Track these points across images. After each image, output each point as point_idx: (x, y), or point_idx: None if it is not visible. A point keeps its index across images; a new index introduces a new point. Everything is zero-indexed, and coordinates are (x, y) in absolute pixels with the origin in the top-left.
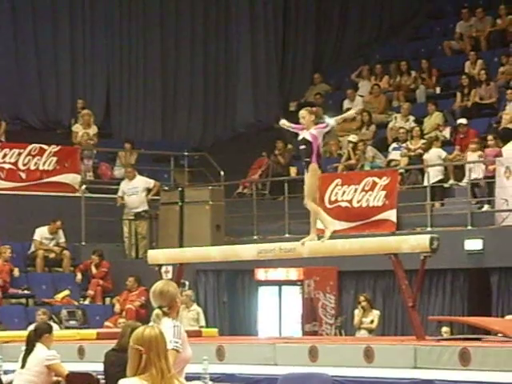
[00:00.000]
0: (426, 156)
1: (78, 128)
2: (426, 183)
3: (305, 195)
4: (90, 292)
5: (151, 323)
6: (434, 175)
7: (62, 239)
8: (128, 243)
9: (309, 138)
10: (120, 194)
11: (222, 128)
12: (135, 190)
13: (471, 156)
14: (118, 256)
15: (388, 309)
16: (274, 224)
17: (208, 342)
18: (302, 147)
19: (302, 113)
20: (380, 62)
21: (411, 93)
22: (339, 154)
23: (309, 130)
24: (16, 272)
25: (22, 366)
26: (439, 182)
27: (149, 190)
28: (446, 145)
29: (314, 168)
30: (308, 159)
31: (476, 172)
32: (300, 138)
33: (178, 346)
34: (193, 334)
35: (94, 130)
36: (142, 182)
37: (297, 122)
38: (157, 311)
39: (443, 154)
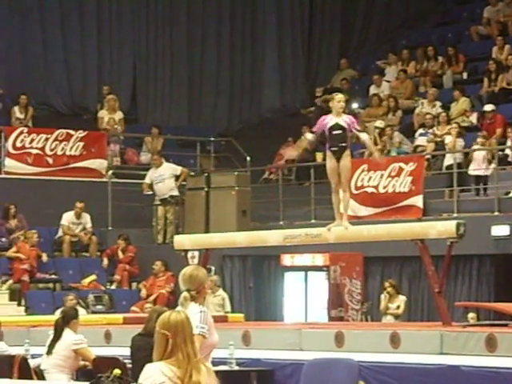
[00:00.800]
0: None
1: (103, 114)
2: (454, 169)
3: (344, 180)
4: (117, 277)
5: (179, 306)
6: (449, 159)
7: (89, 224)
8: (155, 228)
9: (344, 124)
10: (147, 181)
11: (248, 113)
12: (161, 178)
13: (477, 153)
14: (144, 241)
15: (414, 294)
16: (300, 210)
17: (234, 328)
18: (337, 132)
19: (342, 97)
20: (407, 48)
21: (438, 78)
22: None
23: (339, 116)
24: (44, 257)
25: (49, 352)
26: (458, 166)
27: (177, 177)
28: (474, 130)
29: (349, 153)
30: (345, 144)
31: (477, 164)
32: (332, 123)
33: (204, 332)
34: (219, 320)
35: (119, 115)
36: (168, 169)
37: (319, 114)
38: (185, 294)
39: (447, 140)
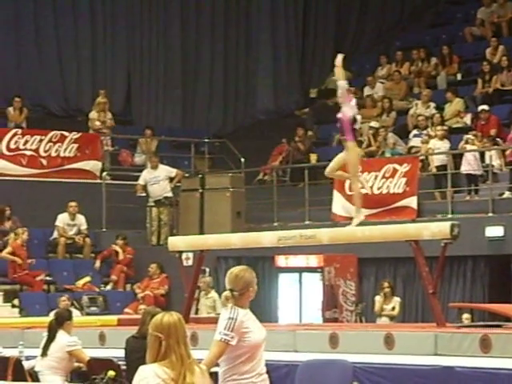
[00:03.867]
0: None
1: (94, 115)
2: (448, 170)
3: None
4: (114, 277)
5: (221, 305)
6: (438, 161)
7: (84, 226)
8: (149, 230)
9: (358, 119)
10: (142, 182)
11: (242, 115)
12: (157, 180)
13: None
14: (138, 243)
15: (408, 296)
16: (295, 211)
17: None
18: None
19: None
20: (401, 49)
21: (432, 79)
22: (360, 141)
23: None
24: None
25: (43, 354)
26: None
27: (171, 179)
28: (468, 131)
29: None
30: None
31: (467, 165)
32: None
33: (227, 339)
34: (211, 321)
35: (108, 115)
36: (164, 171)
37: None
38: (226, 293)
39: (431, 144)
